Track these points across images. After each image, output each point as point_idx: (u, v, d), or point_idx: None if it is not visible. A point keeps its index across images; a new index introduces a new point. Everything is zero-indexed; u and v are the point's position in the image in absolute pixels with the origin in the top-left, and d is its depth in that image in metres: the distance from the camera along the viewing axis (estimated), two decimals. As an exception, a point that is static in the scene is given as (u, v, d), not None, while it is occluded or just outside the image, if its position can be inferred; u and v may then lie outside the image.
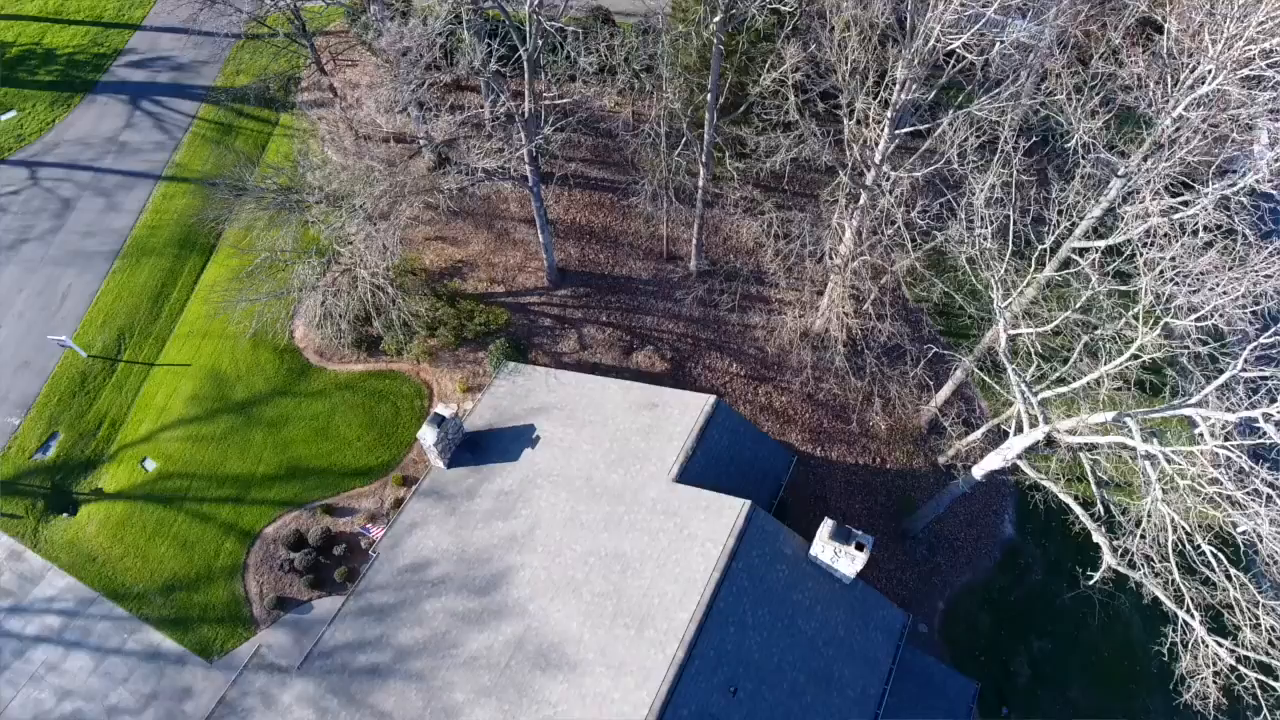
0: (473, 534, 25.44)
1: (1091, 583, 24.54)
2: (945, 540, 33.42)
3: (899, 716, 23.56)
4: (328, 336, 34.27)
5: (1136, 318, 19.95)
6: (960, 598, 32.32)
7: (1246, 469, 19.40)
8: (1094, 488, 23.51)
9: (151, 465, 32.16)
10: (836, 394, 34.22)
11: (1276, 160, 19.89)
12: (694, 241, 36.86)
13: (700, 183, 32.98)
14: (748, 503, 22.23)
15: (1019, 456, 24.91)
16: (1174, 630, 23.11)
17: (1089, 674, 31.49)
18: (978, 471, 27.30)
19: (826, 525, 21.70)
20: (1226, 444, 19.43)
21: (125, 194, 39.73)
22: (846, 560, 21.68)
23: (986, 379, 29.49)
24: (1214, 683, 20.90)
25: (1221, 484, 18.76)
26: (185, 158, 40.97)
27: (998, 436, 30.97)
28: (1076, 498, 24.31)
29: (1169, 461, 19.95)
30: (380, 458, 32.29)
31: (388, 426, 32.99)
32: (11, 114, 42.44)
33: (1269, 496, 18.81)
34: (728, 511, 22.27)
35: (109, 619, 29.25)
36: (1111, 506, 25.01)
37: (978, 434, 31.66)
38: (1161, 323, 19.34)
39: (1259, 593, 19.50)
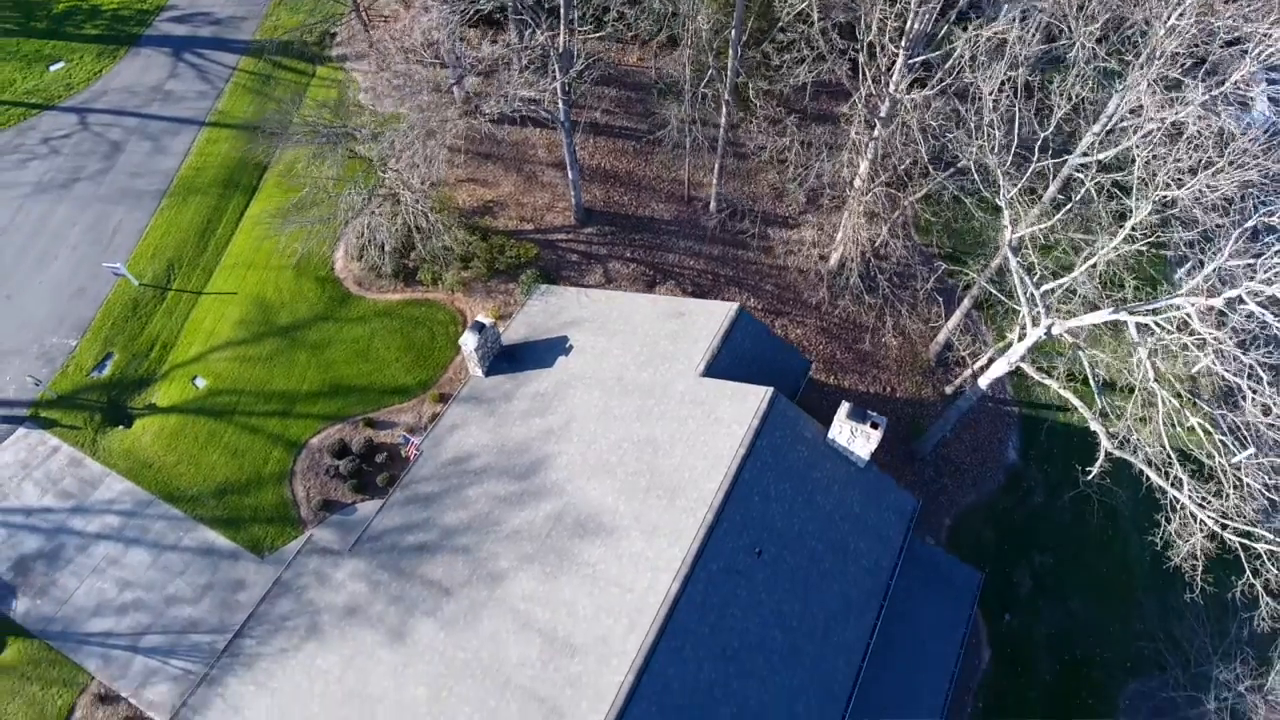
0: (511, 430, 27.27)
1: (1090, 477, 26.34)
2: (951, 464, 35.18)
3: (909, 595, 25.32)
4: (366, 267, 36.19)
5: (1126, 190, 21.58)
6: (965, 516, 34.08)
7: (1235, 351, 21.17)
8: (1091, 385, 25.23)
9: (202, 383, 34.09)
10: (851, 312, 35.88)
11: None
12: (714, 185, 38.72)
13: (722, 120, 34.74)
14: (771, 389, 24.02)
15: (1022, 359, 26.65)
16: (1166, 518, 24.91)
17: (1088, 587, 33.23)
18: (984, 382, 29.07)
19: (844, 406, 23.49)
20: (1218, 331, 21.23)
21: (171, 138, 41.70)
22: (862, 440, 23.46)
23: (994, 292, 30.97)
24: (1200, 549, 22.69)
25: (1208, 346, 20.50)
26: (227, 105, 42.94)
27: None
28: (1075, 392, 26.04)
29: (1160, 328, 21.63)
30: (418, 377, 34.17)
31: (424, 349, 34.85)
32: (60, 65, 44.44)
33: (1251, 369, 20.58)
34: (751, 398, 24.06)
35: (165, 519, 31.18)
36: (1108, 408, 26.80)
37: (984, 359, 33.37)
38: (1152, 201, 21.06)
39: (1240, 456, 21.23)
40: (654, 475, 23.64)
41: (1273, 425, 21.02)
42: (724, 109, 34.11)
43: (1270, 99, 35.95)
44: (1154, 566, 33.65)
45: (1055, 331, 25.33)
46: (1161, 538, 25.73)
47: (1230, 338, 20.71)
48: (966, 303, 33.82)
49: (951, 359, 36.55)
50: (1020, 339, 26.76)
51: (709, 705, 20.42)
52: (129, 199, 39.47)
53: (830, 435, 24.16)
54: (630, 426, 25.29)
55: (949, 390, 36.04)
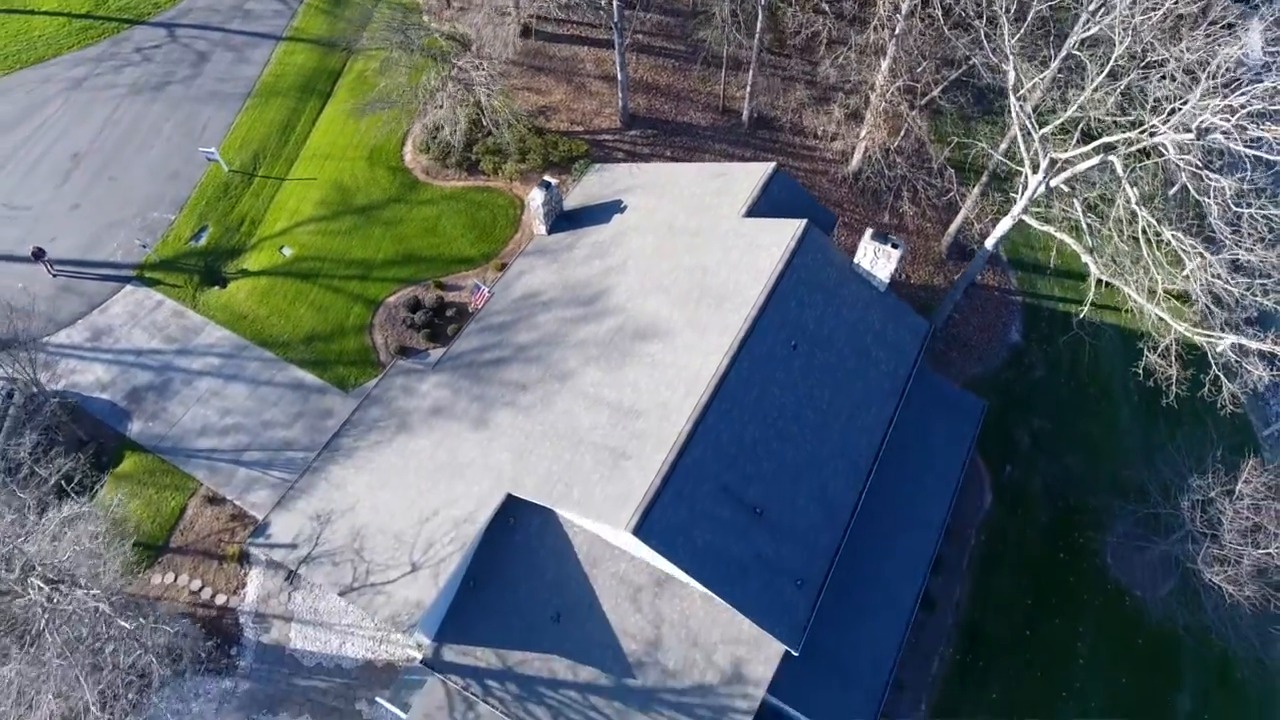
0: (574, 271, 31.07)
1: (1081, 316, 29.81)
2: (959, 340, 38.81)
3: (920, 411, 28.95)
4: (433, 157, 40.12)
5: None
6: (971, 384, 37.62)
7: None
8: (1082, 225, 28.82)
9: (288, 251, 38.03)
10: (871, 185, 39.41)
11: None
12: (747, 97, 42.52)
13: (756, 34, 38.50)
14: (805, 220, 27.70)
15: (1024, 212, 30.26)
16: (1146, 350, 28.56)
17: (1082, 447, 36.75)
18: (989, 241, 32.68)
19: (868, 232, 27.19)
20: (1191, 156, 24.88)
21: (252, 50, 45.79)
22: (883, 262, 27.15)
23: (1003, 160, 34.31)
24: (1170, 356, 26.42)
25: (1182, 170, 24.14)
26: (302, 23, 46.99)
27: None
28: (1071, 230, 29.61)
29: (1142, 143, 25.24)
30: (481, 250, 38.02)
31: (487, 227, 38.72)
32: (149, -14, 48.63)
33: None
34: (788, 227, 27.75)
35: (259, 360, 35.09)
36: (1095, 247, 30.30)
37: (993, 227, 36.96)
38: (1129, 35, 24.65)
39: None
40: (703, 290, 27.37)
41: (1233, 228, 24.65)
42: (759, 21, 37.88)
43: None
44: (1141, 425, 37.17)
45: (1054, 183, 29.00)
46: (1143, 366, 29.46)
47: (1199, 161, 24.36)
48: (977, 190, 37.40)
49: (964, 239, 39.90)
50: (1022, 192, 30.31)
51: (753, 459, 24.12)
52: (216, 100, 43.55)
53: (855, 260, 27.87)
54: (681, 258, 29.02)
55: (948, 240, 39.49)
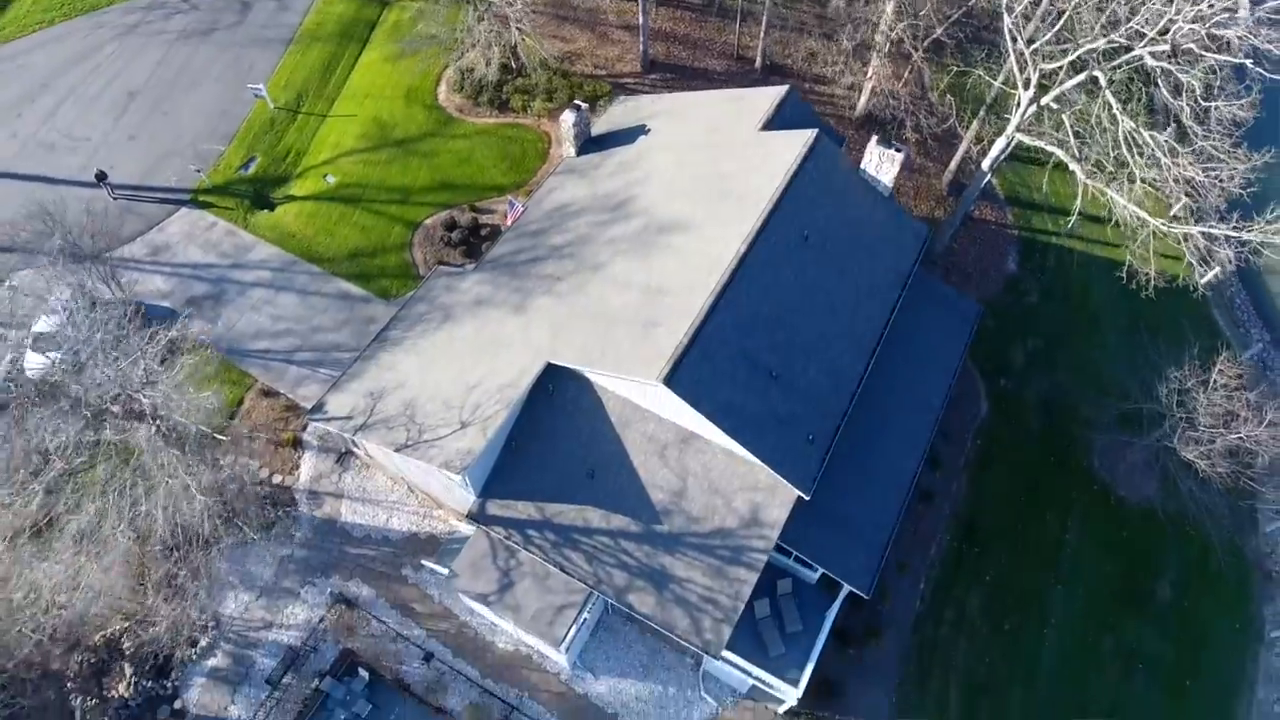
0: (602, 184, 33.68)
1: (1070, 223, 32.31)
2: (959, 270, 41.37)
3: (920, 309, 31.50)
4: (466, 96, 42.88)
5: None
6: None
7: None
8: (1069, 138, 31.41)
9: (332, 179, 40.74)
10: (879, 116, 41.86)
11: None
12: (760, 45, 45.21)
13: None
14: (816, 129, 30.32)
15: (1018, 129, 32.85)
16: (1128, 245, 31.13)
17: (1072, 365, 39.20)
18: (986, 163, 35.29)
19: (874, 138, 29.81)
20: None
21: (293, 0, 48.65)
22: (888, 165, 29.75)
23: (999, 86, 36.88)
24: (1149, 252, 29.05)
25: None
26: (340, -23, 49.93)
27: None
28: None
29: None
30: (512, 179, 40.72)
31: (517, 159, 41.42)
32: (194, -57, 51.41)
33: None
34: (800, 136, 30.33)
35: (307, 274, 37.78)
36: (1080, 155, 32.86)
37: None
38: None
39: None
40: (723, 193, 29.98)
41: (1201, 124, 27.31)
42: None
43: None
44: (1127, 345, 39.52)
45: (1044, 102, 31.61)
46: (1126, 270, 32.06)
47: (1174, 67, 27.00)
48: (975, 125, 39.98)
49: (962, 177, 42.47)
50: (1015, 110, 32.88)
51: (769, 331, 26.71)
52: (260, 45, 46.31)
53: (862, 165, 30.49)
54: (702, 168, 31.63)
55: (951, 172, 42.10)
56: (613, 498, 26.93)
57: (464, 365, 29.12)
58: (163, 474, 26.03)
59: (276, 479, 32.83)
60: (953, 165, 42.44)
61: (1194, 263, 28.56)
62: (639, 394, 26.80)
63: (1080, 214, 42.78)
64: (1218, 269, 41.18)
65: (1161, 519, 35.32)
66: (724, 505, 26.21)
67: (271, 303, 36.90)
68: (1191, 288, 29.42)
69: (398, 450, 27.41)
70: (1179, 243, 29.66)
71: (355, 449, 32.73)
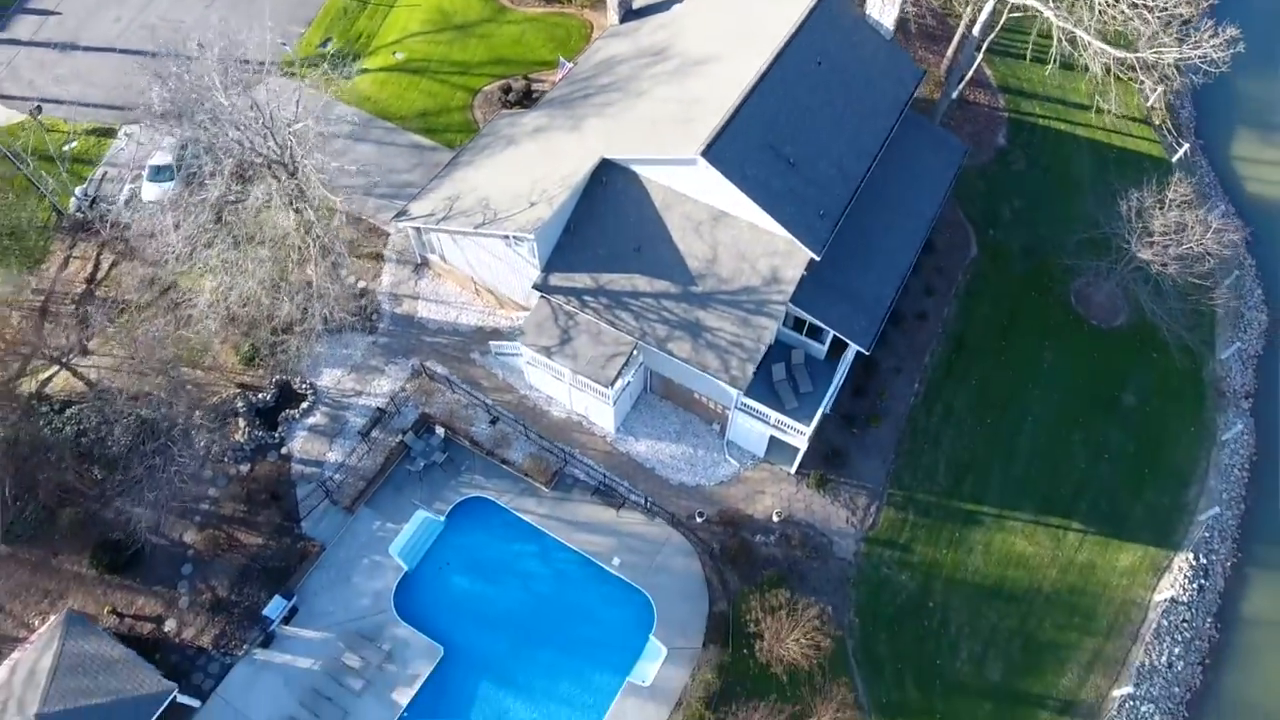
0: (643, 40, 38.94)
1: (1049, 71, 37.21)
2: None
3: (914, 140, 36.58)
4: (518, -11, 48.41)
5: None
6: (963, 173, 45.02)
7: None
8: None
9: (400, 55, 46.26)
10: None
11: None
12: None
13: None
14: (828, -19, 35.60)
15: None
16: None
17: (1052, 220, 44.03)
18: (977, 27, 40.40)
19: (878, -16, 35.09)
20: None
21: (359, -85, 54.12)
22: (889, 7, 34.94)
23: None
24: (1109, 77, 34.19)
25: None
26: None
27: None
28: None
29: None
30: (560, 57, 46.12)
31: (563, 40, 46.84)
32: None
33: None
34: (815, -14, 35.64)
35: (382, 128, 43.27)
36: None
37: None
38: None
39: None
40: (748, 35, 35.14)
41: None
42: None
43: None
44: (1103, 206, 44.01)
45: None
46: (1095, 105, 37.18)
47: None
48: (969, 12, 45.08)
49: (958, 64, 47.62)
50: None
51: (787, 131, 31.89)
52: (333, -51, 52.00)
53: (867, 11, 35.69)
54: (731, 26, 36.76)
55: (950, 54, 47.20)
56: (655, 267, 32.17)
57: (529, 168, 34.37)
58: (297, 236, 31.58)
59: (362, 284, 38.21)
60: (949, 53, 47.55)
61: (1149, 95, 33.58)
62: (679, 180, 31.99)
63: (1062, 102, 48.54)
64: (1186, 147, 46.65)
65: (1130, 344, 40.40)
66: (749, 268, 31.39)
67: (351, 150, 42.31)
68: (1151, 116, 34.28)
69: (476, 228, 32.71)
70: (1134, 70, 34.76)
71: (429, 257, 38.07)
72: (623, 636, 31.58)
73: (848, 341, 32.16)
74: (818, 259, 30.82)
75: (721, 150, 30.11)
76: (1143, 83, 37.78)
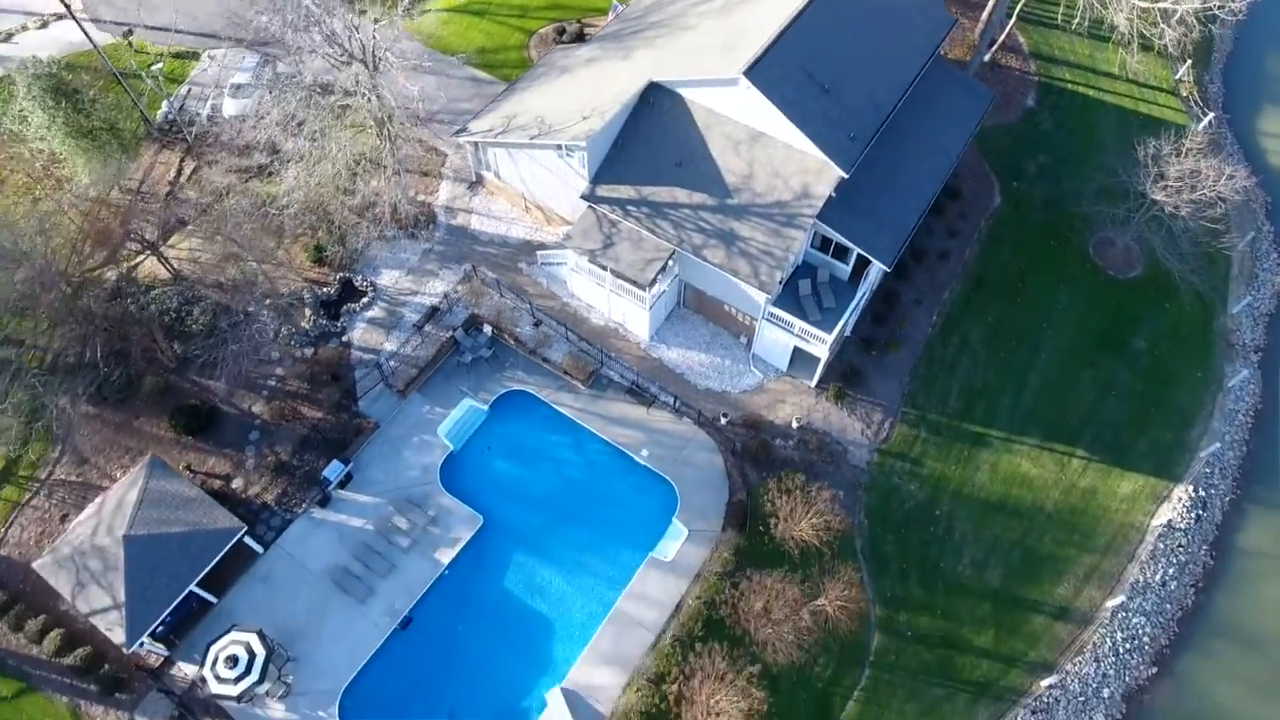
0: (692, -17, 41.58)
1: (1075, 21, 39.18)
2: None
3: (942, 86, 38.72)
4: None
5: None
6: (991, 130, 47.13)
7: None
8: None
9: (462, -1, 49.46)
10: None
11: None
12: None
13: None
14: (869, -70, 37.94)
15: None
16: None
17: (1076, 175, 45.80)
18: (1009, -14, 42.45)
19: (915, -67, 37.36)
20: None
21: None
22: (926, -44, 37.27)
23: None
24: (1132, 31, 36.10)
25: None
26: None
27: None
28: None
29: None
30: (613, 1, 48.91)
31: (615, -10, 49.73)
32: None
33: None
34: (858, -66, 37.98)
35: (444, 62, 46.23)
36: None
37: None
38: None
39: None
40: (792, -26, 37.67)
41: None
42: None
43: None
44: (1125, 164, 45.80)
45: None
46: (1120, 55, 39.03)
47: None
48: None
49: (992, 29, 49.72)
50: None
51: (823, 60, 34.24)
52: (402, -97, 55.19)
53: (905, -42, 38.07)
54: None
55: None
56: (695, 181, 34.70)
57: (581, 91, 37.08)
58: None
59: (421, 198, 41.18)
60: (984, 16, 49.55)
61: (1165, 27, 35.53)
62: (720, 101, 34.49)
63: (1093, 70, 50.31)
64: (1211, 115, 48.25)
65: (1144, 294, 42.22)
66: (782, 184, 33.82)
67: (415, 80, 45.20)
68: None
69: (532, 139, 35.49)
70: (1157, 26, 36.68)
71: (484, 175, 40.94)
72: (648, 519, 34.12)
73: (870, 259, 34.46)
74: (846, 177, 33.17)
75: (762, 71, 32.60)
76: (1165, 40, 39.50)
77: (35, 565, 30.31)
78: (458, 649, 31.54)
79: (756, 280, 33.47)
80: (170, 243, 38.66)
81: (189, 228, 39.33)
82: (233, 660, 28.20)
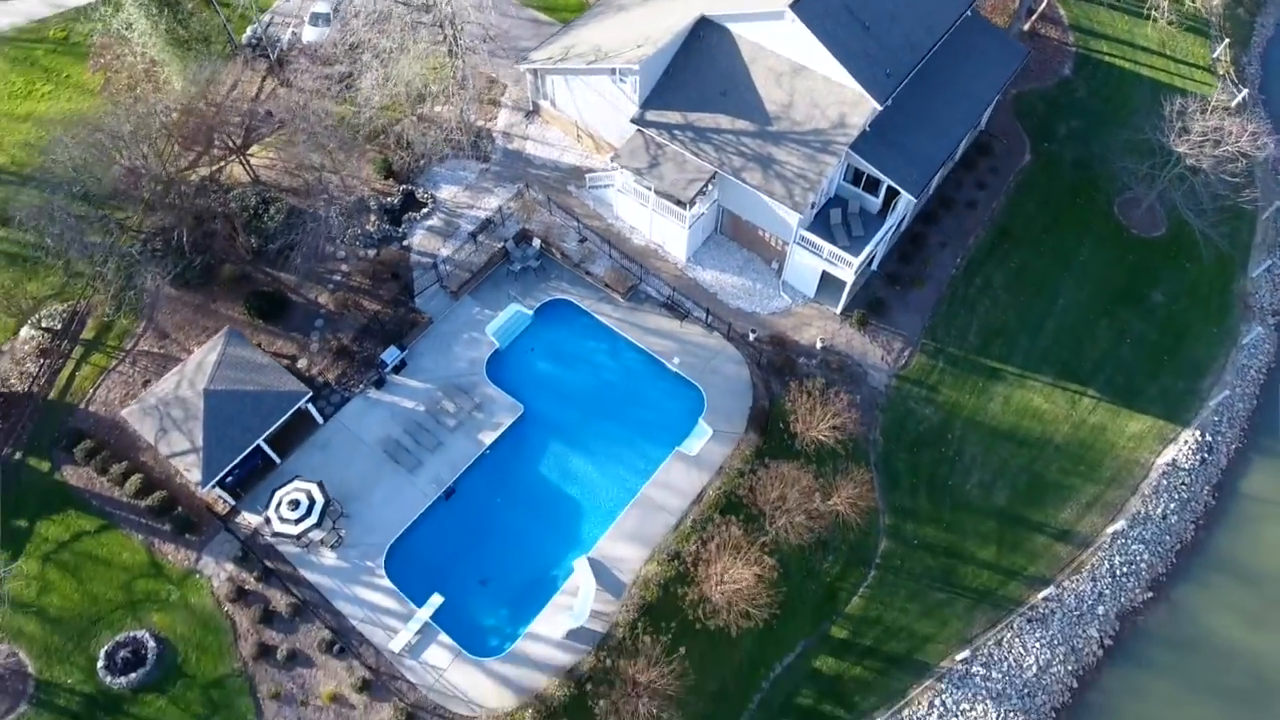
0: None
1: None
2: (1024, 71, 50.14)
3: (976, 41, 40.66)
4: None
5: None
6: (1025, 94, 48.94)
7: None
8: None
9: (527, -51, 52.30)
10: None
11: None
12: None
13: None
14: (918, -114, 40.04)
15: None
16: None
17: (1106, 141, 47.35)
18: (1051, -49, 44.23)
19: (961, -109, 39.38)
20: None
21: None
22: (970, -88, 39.31)
23: None
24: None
25: None
26: None
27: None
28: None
29: None
30: (667, -40, 51.47)
31: (672, -53, 52.18)
32: None
33: None
34: (906, -110, 40.13)
35: (505, 3, 49.15)
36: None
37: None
38: None
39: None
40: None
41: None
42: None
43: None
44: (1156, 130, 47.32)
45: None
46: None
47: None
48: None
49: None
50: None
51: (865, 6, 36.48)
52: None
53: (950, -84, 40.12)
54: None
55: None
56: (738, 109, 37.15)
57: (636, 25, 39.69)
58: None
59: (481, 123, 44.12)
60: (1026, -11, 51.40)
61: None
62: (765, 35, 36.88)
63: (1131, 45, 51.74)
64: (1245, 92, 49.48)
65: (1166, 252, 43.77)
66: (819, 114, 36.13)
67: (477, 20, 48.36)
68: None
69: (589, 64, 38.16)
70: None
71: (541, 103, 43.75)
72: (675, 419, 36.56)
73: (899, 190, 36.62)
74: (880, 109, 35.38)
75: (807, 5, 34.92)
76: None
77: (123, 412, 33.67)
78: (494, 520, 34.27)
79: (790, 201, 35.81)
80: (251, 151, 41.94)
81: (269, 138, 42.64)
82: (294, 504, 31.25)
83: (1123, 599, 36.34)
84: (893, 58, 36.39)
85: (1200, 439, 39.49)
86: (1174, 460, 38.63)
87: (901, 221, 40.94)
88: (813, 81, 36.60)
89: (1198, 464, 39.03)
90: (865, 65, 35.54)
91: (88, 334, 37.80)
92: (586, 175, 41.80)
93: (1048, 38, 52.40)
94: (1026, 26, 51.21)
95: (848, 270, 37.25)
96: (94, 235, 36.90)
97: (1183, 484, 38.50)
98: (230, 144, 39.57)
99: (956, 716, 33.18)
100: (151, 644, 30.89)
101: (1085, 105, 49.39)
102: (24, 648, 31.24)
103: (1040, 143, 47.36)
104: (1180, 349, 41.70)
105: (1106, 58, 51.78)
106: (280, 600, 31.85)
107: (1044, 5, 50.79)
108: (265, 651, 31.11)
